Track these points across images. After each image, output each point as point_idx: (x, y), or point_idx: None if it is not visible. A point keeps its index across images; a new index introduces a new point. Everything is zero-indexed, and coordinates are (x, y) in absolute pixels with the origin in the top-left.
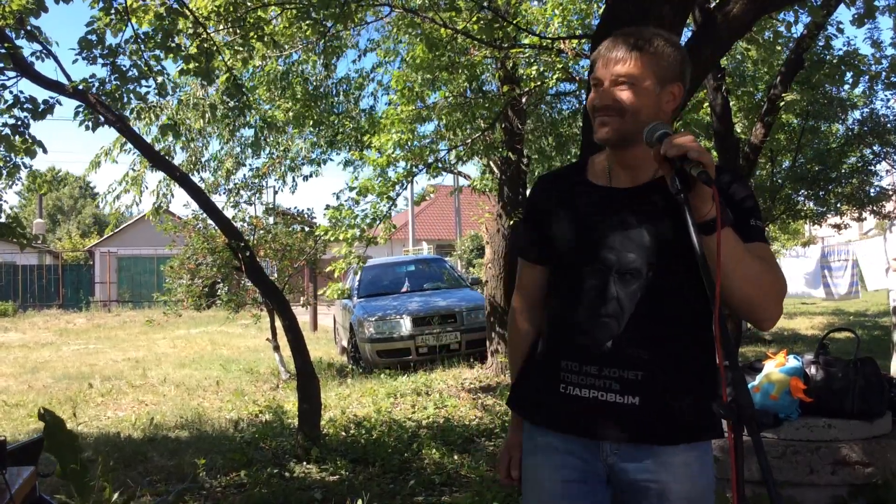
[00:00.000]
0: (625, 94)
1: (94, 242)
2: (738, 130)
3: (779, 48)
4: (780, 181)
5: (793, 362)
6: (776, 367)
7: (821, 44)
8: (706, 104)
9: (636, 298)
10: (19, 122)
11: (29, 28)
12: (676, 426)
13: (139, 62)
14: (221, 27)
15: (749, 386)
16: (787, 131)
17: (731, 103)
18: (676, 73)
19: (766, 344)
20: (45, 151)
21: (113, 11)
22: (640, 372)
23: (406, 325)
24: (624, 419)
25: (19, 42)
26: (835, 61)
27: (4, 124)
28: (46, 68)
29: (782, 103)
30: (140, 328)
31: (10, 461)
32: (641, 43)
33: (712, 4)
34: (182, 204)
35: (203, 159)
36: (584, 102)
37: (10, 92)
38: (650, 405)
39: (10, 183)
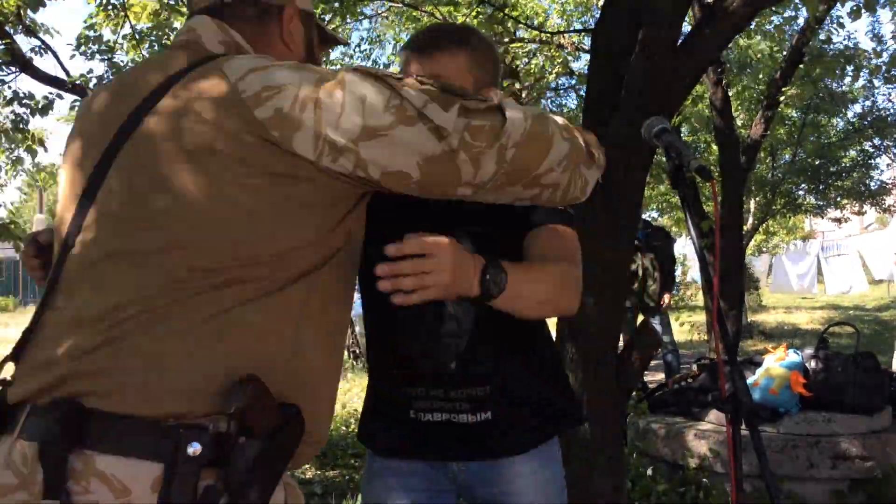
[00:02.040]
0: None
1: None
2: (739, 124)
3: (775, 45)
4: (780, 175)
5: (793, 357)
6: (776, 361)
7: (821, 38)
8: (706, 98)
9: (472, 314)
10: (19, 118)
11: (27, 23)
12: (524, 434)
13: (136, 58)
14: None
15: (749, 381)
16: (788, 125)
17: (730, 97)
18: (493, 76)
19: (765, 338)
20: (45, 150)
21: (110, 7)
22: (488, 386)
23: None
24: (475, 437)
25: (18, 37)
26: (835, 55)
27: (6, 118)
28: (45, 64)
29: (783, 97)
30: None
31: None
32: (460, 41)
33: None
34: None
35: None
36: (584, 96)
37: (10, 87)
38: (501, 418)
39: (14, 175)
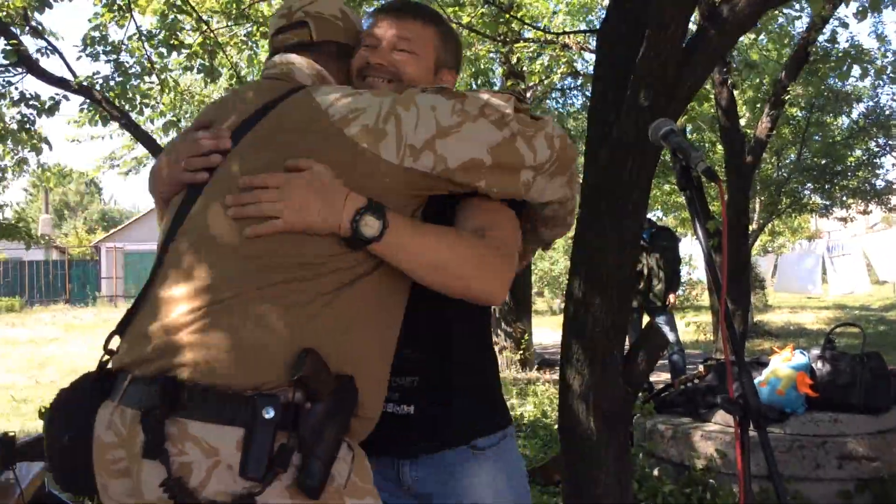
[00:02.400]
0: (403, 62)
1: (100, 238)
2: (744, 124)
3: (780, 45)
4: (785, 175)
5: (799, 357)
6: (783, 362)
7: (825, 37)
8: (712, 98)
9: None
10: (25, 119)
11: (34, 24)
12: (458, 430)
13: (143, 59)
14: (224, 23)
15: (755, 381)
16: (793, 125)
17: (736, 97)
18: (453, 61)
19: (771, 338)
20: (50, 148)
21: (115, 7)
22: (416, 377)
23: None
24: (406, 431)
25: (24, 38)
26: (839, 55)
27: (12, 118)
28: (52, 64)
29: (788, 97)
30: None
31: (19, 457)
32: (431, 18)
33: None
34: None
35: None
36: (589, 97)
37: (16, 88)
38: (429, 411)
39: (18, 175)
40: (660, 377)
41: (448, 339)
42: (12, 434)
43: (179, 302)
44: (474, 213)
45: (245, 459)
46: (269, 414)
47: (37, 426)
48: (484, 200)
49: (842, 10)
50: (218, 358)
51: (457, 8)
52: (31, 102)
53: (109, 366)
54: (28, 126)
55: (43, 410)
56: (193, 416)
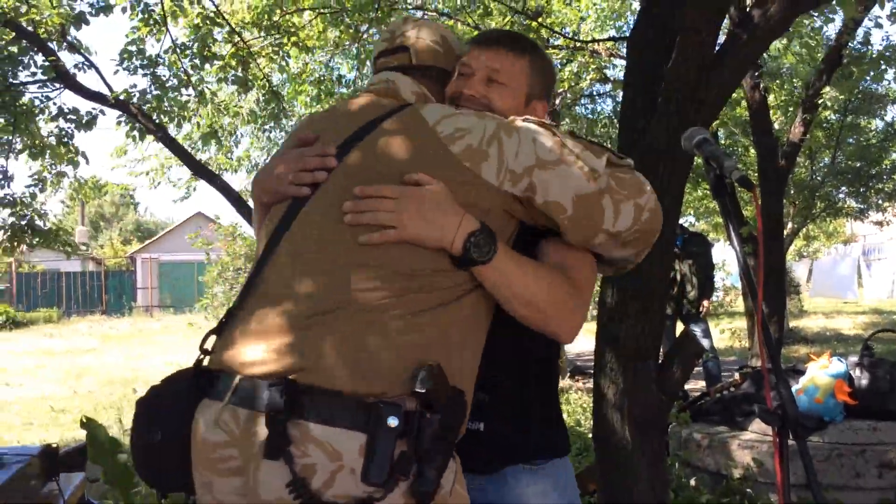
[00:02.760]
0: (495, 94)
1: (135, 249)
2: (776, 127)
3: (815, 44)
4: (819, 178)
5: (837, 365)
6: (820, 369)
7: (859, 39)
8: (744, 102)
9: None
10: (63, 133)
11: (70, 40)
12: (523, 449)
13: (178, 72)
14: (256, 35)
15: (793, 389)
16: (826, 128)
17: (768, 101)
18: (545, 90)
19: (807, 344)
20: (87, 162)
21: (152, 21)
22: (487, 395)
23: None
24: (474, 445)
25: (62, 54)
26: (873, 56)
27: (50, 133)
28: (89, 79)
29: (821, 100)
30: (182, 333)
31: (61, 468)
32: (525, 48)
33: (748, 4)
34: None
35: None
36: (620, 103)
37: (54, 103)
38: (497, 429)
39: (56, 190)
40: (695, 385)
41: (521, 361)
42: (55, 445)
43: (292, 306)
44: (557, 250)
45: (368, 465)
46: (394, 422)
47: (75, 436)
48: (573, 247)
49: (875, 10)
50: (338, 364)
51: (486, 17)
52: (68, 117)
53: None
54: (66, 140)
55: (84, 420)
56: (316, 419)
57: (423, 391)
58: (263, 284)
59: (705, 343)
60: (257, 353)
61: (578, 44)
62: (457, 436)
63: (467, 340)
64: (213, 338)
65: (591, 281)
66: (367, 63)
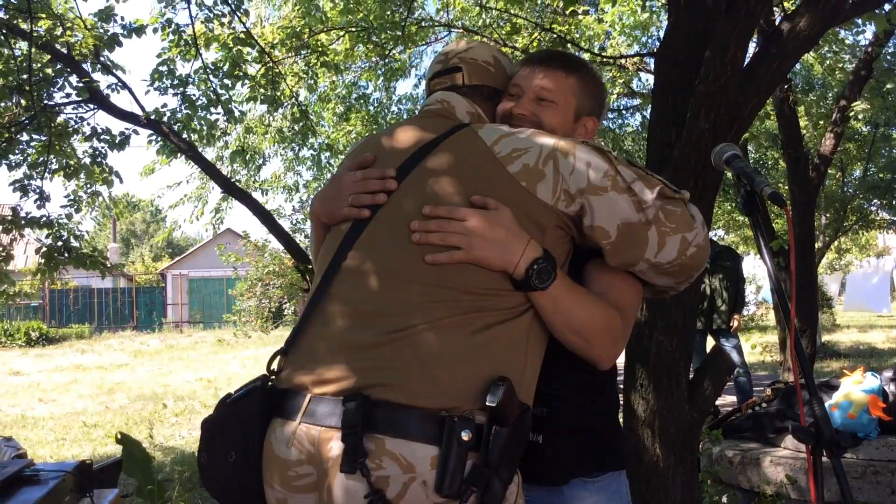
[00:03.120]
0: (543, 112)
1: (166, 265)
2: (806, 140)
3: (846, 57)
4: (850, 191)
5: (871, 380)
6: (854, 384)
7: (890, 50)
8: (773, 115)
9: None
10: (97, 153)
11: (104, 61)
12: (579, 463)
13: (209, 91)
14: (286, 54)
15: (826, 405)
16: (857, 140)
17: (798, 114)
18: (595, 107)
19: (840, 358)
20: (121, 181)
21: (182, 43)
22: (545, 409)
23: None
24: (530, 459)
25: (95, 75)
26: None
27: (84, 153)
28: (122, 99)
29: (852, 113)
30: (211, 348)
31: (94, 483)
32: (573, 67)
33: (777, 18)
34: (243, 231)
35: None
36: (648, 116)
37: (88, 124)
38: (555, 442)
39: (91, 209)
40: (725, 400)
41: (580, 376)
42: (89, 461)
43: (361, 325)
44: (603, 274)
45: (441, 477)
46: (466, 436)
47: (107, 451)
48: (620, 272)
49: None
50: (411, 380)
51: (513, 35)
52: (102, 137)
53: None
54: (99, 160)
55: (119, 436)
56: (390, 432)
57: (494, 405)
58: (330, 304)
59: (736, 358)
60: (328, 371)
61: (605, 59)
62: (522, 450)
63: (528, 356)
64: (279, 357)
65: (635, 307)
66: (394, 81)
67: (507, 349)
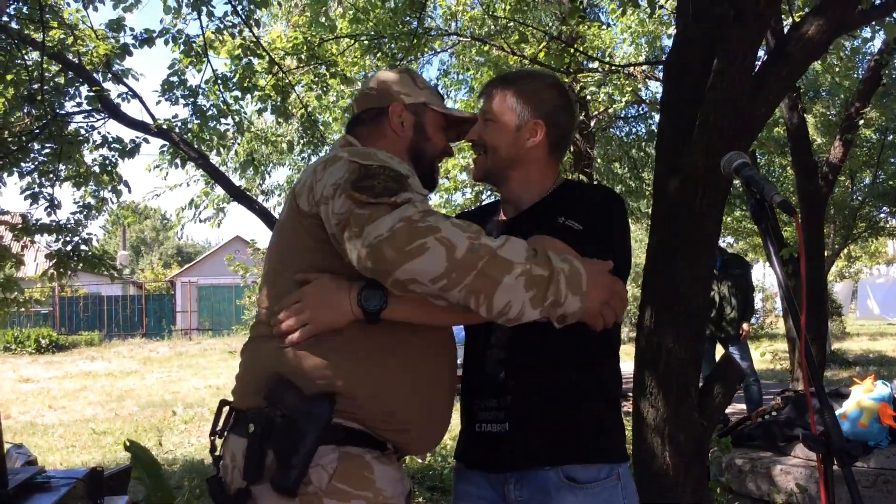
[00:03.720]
0: (487, 132)
1: (175, 273)
2: (815, 148)
3: (851, 66)
4: (860, 198)
5: (881, 388)
6: (864, 393)
7: None
8: (781, 122)
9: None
10: (107, 161)
11: (115, 71)
12: (546, 450)
13: (219, 101)
14: (296, 65)
15: (836, 413)
16: (866, 147)
17: (807, 121)
18: (539, 113)
19: (850, 367)
20: (129, 191)
21: (192, 53)
22: (510, 396)
23: None
24: (510, 447)
25: (106, 84)
26: None
27: (94, 161)
28: (132, 108)
29: (861, 121)
30: (220, 356)
31: (104, 490)
32: (508, 81)
33: (786, 27)
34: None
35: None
36: (656, 125)
37: (99, 132)
38: (521, 428)
39: (100, 213)
40: (734, 408)
41: (561, 367)
42: (100, 468)
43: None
44: None
45: (244, 465)
46: (252, 428)
47: (117, 458)
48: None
49: None
50: (237, 386)
51: (521, 43)
52: (112, 146)
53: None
54: (109, 168)
55: (128, 443)
56: (233, 432)
57: (267, 398)
58: None
59: (745, 366)
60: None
61: (613, 67)
62: (314, 440)
63: (374, 356)
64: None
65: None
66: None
67: (335, 350)
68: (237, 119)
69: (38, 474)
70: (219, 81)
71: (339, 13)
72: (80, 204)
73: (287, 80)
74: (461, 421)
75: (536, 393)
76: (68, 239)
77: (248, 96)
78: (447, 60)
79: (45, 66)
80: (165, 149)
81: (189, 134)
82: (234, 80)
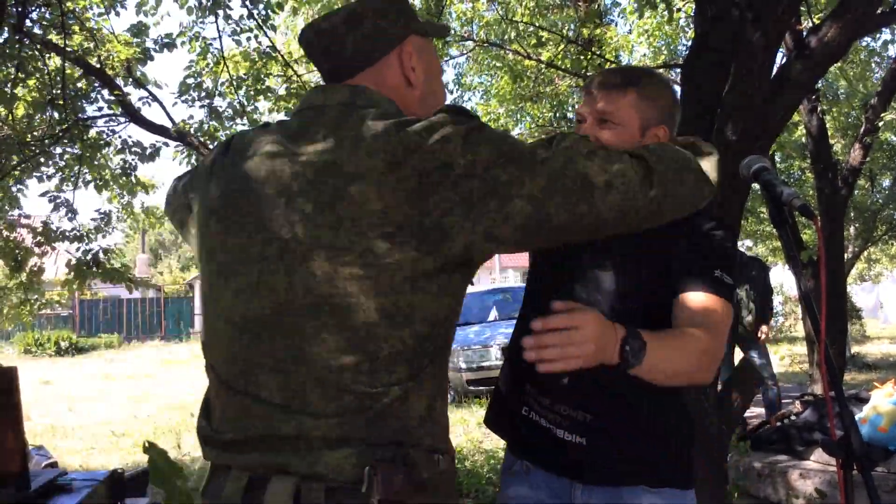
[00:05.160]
0: (606, 135)
1: (193, 275)
2: (835, 151)
3: (868, 68)
4: (880, 201)
5: None
6: (884, 397)
7: None
8: (801, 125)
9: None
10: (128, 166)
11: (136, 75)
12: (635, 468)
13: (234, 102)
14: (308, 69)
15: (856, 417)
16: (886, 149)
17: (826, 124)
18: (662, 116)
19: (870, 371)
20: (146, 193)
21: (209, 56)
22: (589, 415)
23: (496, 355)
24: (577, 458)
25: (127, 89)
26: None
27: (116, 165)
28: (153, 112)
29: (881, 123)
30: None
31: (125, 492)
32: (629, 81)
33: (805, 29)
34: None
35: None
36: None
37: (119, 137)
38: (601, 447)
39: (125, 219)
40: (752, 411)
41: (633, 386)
42: (122, 470)
43: None
44: (696, 310)
45: None
46: None
47: (136, 460)
48: (699, 296)
49: None
50: None
51: (537, 47)
52: (133, 150)
53: None
54: (130, 172)
55: (146, 445)
56: None
57: None
58: None
59: (764, 371)
60: None
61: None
62: None
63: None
64: None
65: (725, 321)
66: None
67: None
68: (253, 119)
69: (60, 476)
70: (234, 84)
71: None
72: (100, 211)
73: (300, 82)
74: (509, 403)
75: (617, 409)
76: (87, 248)
77: (262, 99)
78: (462, 63)
79: (66, 70)
80: (182, 152)
81: (205, 136)
82: (248, 82)
